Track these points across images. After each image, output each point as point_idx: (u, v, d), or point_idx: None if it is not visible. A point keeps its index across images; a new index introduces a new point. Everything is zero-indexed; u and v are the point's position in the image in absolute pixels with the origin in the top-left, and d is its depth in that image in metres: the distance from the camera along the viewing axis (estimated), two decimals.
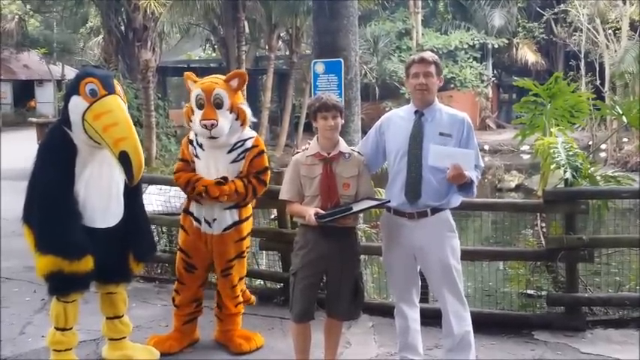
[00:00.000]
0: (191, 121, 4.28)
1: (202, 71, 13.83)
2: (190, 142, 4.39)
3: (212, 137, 4.18)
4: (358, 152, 3.89)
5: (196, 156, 4.33)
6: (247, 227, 4.53)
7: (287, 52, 23.14)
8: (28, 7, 26.15)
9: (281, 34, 22.04)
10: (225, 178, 4.24)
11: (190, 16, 20.23)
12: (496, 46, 27.85)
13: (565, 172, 5.32)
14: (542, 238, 6.35)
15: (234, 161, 4.31)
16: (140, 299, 5.58)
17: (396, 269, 3.91)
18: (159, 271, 6.50)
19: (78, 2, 17.96)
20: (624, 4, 21.22)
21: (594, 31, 21.68)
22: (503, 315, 5.05)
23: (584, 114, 7.19)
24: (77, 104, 3.78)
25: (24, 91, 34.58)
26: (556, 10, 24.00)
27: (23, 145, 12.89)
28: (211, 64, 27.27)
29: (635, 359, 4.27)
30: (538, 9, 26.50)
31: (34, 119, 21.00)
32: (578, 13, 21.93)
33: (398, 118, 3.88)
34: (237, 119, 4.27)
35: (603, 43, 21.30)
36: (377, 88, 24.96)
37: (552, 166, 5.76)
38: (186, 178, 4.31)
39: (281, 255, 5.58)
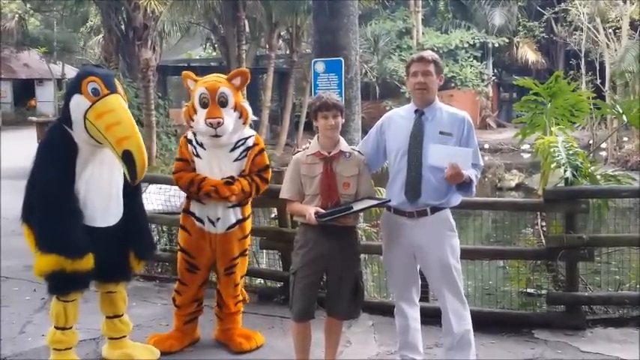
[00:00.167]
0: (193, 120, 4.26)
1: (203, 70, 13.84)
2: (189, 141, 4.36)
3: (216, 136, 4.17)
4: (358, 151, 3.88)
5: (197, 155, 4.32)
6: (249, 225, 4.56)
7: (287, 51, 23.13)
8: (29, 5, 26.19)
9: (281, 33, 22.03)
10: (232, 178, 4.25)
11: (191, 15, 20.24)
12: (496, 45, 27.84)
13: (565, 171, 5.32)
14: (542, 237, 6.36)
15: (236, 160, 4.32)
16: (140, 298, 5.58)
17: (396, 268, 3.91)
18: (159, 270, 6.50)
19: (78, 1, 17.97)
20: (624, 3, 21.22)
21: (594, 30, 21.68)
22: (504, 314, 5.05)
23: (584, 113, 7.20)
24: (79, 103, 3.77)
25: (24, 90, 34.57)
26: (556, 9, 24.01)
27: (23, 144, 12.88)
28: (212, 63, 27.28)
29: (635, 358, 4.27)
30: (538, 8, 26.50)
31: (34, 118, 20.97)
32: (579, 12, 21.93)
33: (399, 118, 3.88)
34: (240, 117, 4.28)
35: (603, 42, 21.30)
36: (377, 87, 24.95)
37: (553, 165, 5.76)
38: (189, 178, 4.29)
39: (281, 254, 5.58)
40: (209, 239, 4.37)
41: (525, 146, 18.03)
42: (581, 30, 22.42)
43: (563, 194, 5.00)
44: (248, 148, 4.35)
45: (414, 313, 3.94)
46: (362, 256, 4.69)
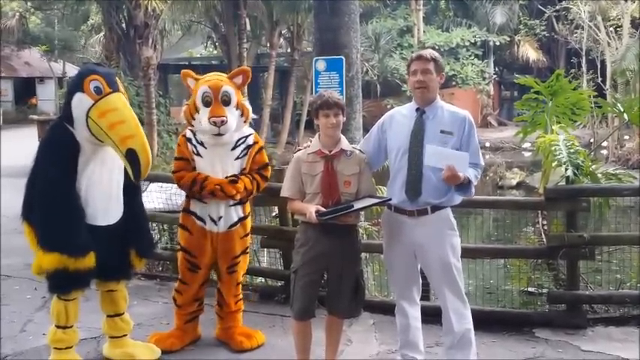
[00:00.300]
0: (194, 119, 4.26)
1: (204, 68, 13.82)
2: (188, 140, 4.35)
3: (219, 134, 4.17)
4: (359, 150, 3.88)
5: (197, 154, 4.31)
6: (250, 223, 4.57)
7: (288, 50, 23.13)
8: (29, 4, 26.21)
9: (282, 32, 22.03)
10: (236, 176, 4.25)
11: (191, 14, 20.26)
12: (497, 43, 27.83)
13: (566, 169, 5.32)
14: (543, 236, 6.35)
15: (237, 158, 4.33)
16: (141, 297, 5.58)
17: (397, 267, 3.91)
18: (160, 268, 6.50)
19: None
20: (625, 1, 21.17)
21: (595, 29, 21.66)
22: (504, 312, 5.05)
23: (585, 111, 7.18)
24: (81, 101, 3.77)
25: (25, 88, 34.59)
26: (557, 7, 23.98)
27: (24, 143, 12.89)
28: (212, 62, 27.27)
29: (635, 357, 4.27)
30: (539, 6, 26.46)
31: (35, 117, 20.97)
32: (580, 11, 21.90)
33: (400, 116, 3.88)
34: (241, 116, 4.29)
35: (605, 41, 21.27)
36: (378, 86, 24.93)
37: (554, 164, 5.75)
38: (191, 177, 4.28)
39: (282, 252, 5.58)
40: (210, 238, 4.37)
41: (526, 145, 18.03)
42: (582, 28, 22.39)
43: (564, 193, 4.99)
44: (248, 147, 4.36)
45: (414, 312, 3.94)
46: (363, 254, 4.69)
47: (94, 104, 3.75)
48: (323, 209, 3.61)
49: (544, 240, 6.02)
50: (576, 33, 23.22)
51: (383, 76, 25.46)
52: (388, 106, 20.19)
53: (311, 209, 3.61)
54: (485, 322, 4.49)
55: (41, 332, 4.56)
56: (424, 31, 27.75)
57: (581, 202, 4.82)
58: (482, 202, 5.60)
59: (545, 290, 5.42)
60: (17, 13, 27.40)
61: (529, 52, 27.45)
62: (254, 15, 21.29)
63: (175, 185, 5.37)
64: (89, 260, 3.74)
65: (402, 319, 3.95)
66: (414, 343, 3.94)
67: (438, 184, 3.67)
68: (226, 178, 4.25)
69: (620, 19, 21.27)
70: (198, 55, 31.05)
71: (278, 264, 5.84)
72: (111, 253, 3.89)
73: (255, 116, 4.49)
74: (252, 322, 4.81)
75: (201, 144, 4.29)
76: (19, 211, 3.92)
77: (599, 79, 21.41)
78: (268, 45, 22.15)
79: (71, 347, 4.03)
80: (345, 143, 3.82)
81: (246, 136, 4.38)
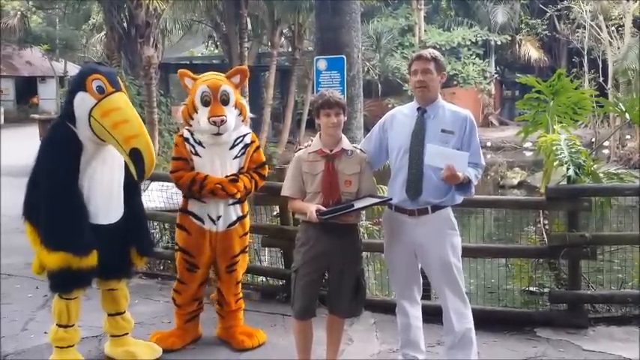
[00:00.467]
0: (192, 118, 4.26)
1: (205, 68, 13.81)
2: (186, 139, 4.34)
3: (218, 134, 4.17)
4: (360, 149, 3.88)
5: (195, 154, 4.31)
6: (248, 222, 4.57)
7: (289, 49, 23.12)
8: (31, 3, 26.20)
9: (283, 31, 22.02)
10: (235, 175, 4.26)
11: (193, 13, 20.27)
12: (499, 42, 27.81)
13: (568, 169, 5.31)
14: (544, 235, 6.34)
15: (235, 157, 4.33)
16: (142, 296, 5.58)
17: (397, 266, 3.91)
18: (161, 267, 6.50)
19: None
20: (627, 0, 21.16)
21: (597, 28, 21.64)
22: (506, 312, 5.05)
23: (587, 111, 7.16)
24: (84, 100, 3.77)
25: (26, 87, 34.64)
26: (559, 6, 23.93)
27: (26, 142, 12.91)
28: (214, 61, 27.28)
29: (637, 357, 4.26)
30: (541, 5, 26.44)
31: (36, 116, 21.02)
32: (581, 10, 21.87)
33: (401, 116, 3.88)
34: (239, 115, 4.29)
35: (606, 40, 21.26)
36: (379, 85, 24.92)
37: (555, 163, 5.74)
38: (190, 177, 4.27)
39: (283, 252, 5.58)
40: (209, 238, 4.37)
41: (528, 144, 18.05)
42: (584, 28, 22.36)
43: (566, 192, 4.99)
44: (246, 145, 4.37)
45: (415, 312, 3.94)
46: (364, 254, 4.68)
47: (96, 103, 3.75)
48: (324, 208, 3.61)
49: (545, 239, 6.01)
50: (578, 32, 23.20)
51: (384, 75, 25.45)
52: (389, 106, 20.17)
53: (312, 208, 3.61)
54: (486, 322, 4.49)
55: (43, 331, 4.56)
56: (425, 31, 27.74)
57: (583, 201, 4.82)
58: (484, 201, 5.59)
59: (546, 290, 5.42)
60: (19, 12, 27.40)
61: (530, 51, 27.41)
62: (255, 14, 21.29)
63: None
64: (92, 259, 3.76)
65: (403, 318, 3.95)
66: (415, 343, 3.94)
67: (438, 184, 3.67)
68: (226, 177, 4.25)
69: (621, 18, 21.25)
70: (200, 55, 31.07)
71: (279, 263, 5.84)
72: (112, 251, 3.90)
73: (253, 115, 4.48)
74: (253, 321, 4.81)
75: (200, 144, 4.29)
76: (20, 211, 3.92)
77: (601, 78, 21.39)
78: (269, 44, 22.16)
79: (72, 346, 4.03)
80: (346, 143, 3.81)
81: (244, 135, 4.39)
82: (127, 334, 4.30)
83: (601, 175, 5.77)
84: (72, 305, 3.93)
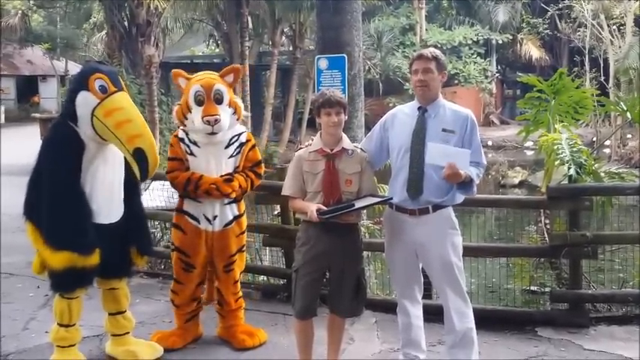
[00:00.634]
0: (186, 118, 4.25)
1: (206, 67, 13.81)
2: (181, 139, 4.33)
3: (213, 133, 4.16)
4: (361, 149, 3.87)
5: (190, 154, 4.30)
6: (245, 221, 4.56)
7: (290, 48, 23.13)
8: (32, 2, 26.19)
9: (284, 30, 22.03)
10: (230, 175, 4.25)
11: (194, 12, 20.27)
12: (500, 41, 27.80)
13: (569, 168, 5.31)
14: (545, 235, 6.35)
15: (231, 156, 4.32)
16: (143, 295, 5.58)
17: (398, 266, 3.90)
18: (162, 267, 6.50)
19: None
20: (628, 0, 21.14)
21: (599, 27, 21.63)
22: (507, 311, 5.04)
23: (588, 110, 7.17)
24: (87, 100, 3.76)
25: (27, 86, 34.67)
26: (560, 5, 23.92)
27: (27, 141, 12.91)
28: (215, 60, 27.28)
29: (638, 357, 4.26)
30: (542, 4, 26.43)
31: (37, 115, 21.03)
32: (583, 9, 21.86)
33: (402, 115, 3.87)
34: (234, 114, 4.28)
35: (607, 39, 21.25)
36: (381, 84, 24.92)
37: (556, 163, 5.74)
38: (185, 177, 4.26)
39: (284, 251, 5.58)
40: (205, 237, 4.36)
41: (529, 143, 18.07)
42: (585, 27, 22.36)
43: (567, 192, 4.98)
44: (242, 144, 4.36)
45: (416, 311, 3.93)
46: (365, 253, 4.68)
47: (99, 103, 3.75)
48: (324, 208, 3.60)
49: (546, 239, 6.02)
50: (579, 31, 23.19)
51: (385, 74, 25.44)
52: (390, 105, 20.18)
53: (312, 208, 3.60)
54: (487, 321, 4.48)
55: (44, 330, 4.56)
56: (426, 30, 27.73)
57: (584, 200, 4.81)
58: (485, 200, 5.59)
59: (547, 289, 5.42)
60: (20, 11, 27.40)
61: (532, 50, 27.41)
62: (256, 13, 21.30)
63: None
64: (95, 258, 3.76)
65: (404, 317, 3.94)
66: (416, 342, 3.94)
67: (439, 183, 3.66)
68: (221, 177, 4.25)
69: (623, 17, 21.24)
70: (201, 54, 31.09)
71: (280, 262, 5.85)
72: (112, 251, 3.90)
73: (247, 114, 4.47)
74: (254, 321, 4.81)
75: (195, 143, 4.28)
76: (21, 210, 3.92)
77: (602, 77, 21.39)
78: (270, 43, 22.17)
79: (74, 345, 4.04)
80: (346, 142, 3.81)
81: (239, 134, 4.37)
82: (128, 333, 4.30)
83: (602, 174, 5.78)
84: (73, 304, 3.94)
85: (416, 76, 3.73)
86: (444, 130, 3.69)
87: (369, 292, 5.03)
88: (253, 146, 4.47)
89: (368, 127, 4.85)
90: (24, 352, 4.46)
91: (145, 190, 6.48)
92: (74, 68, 26.51)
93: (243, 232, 4.52)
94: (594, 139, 19.18)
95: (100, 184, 3.87)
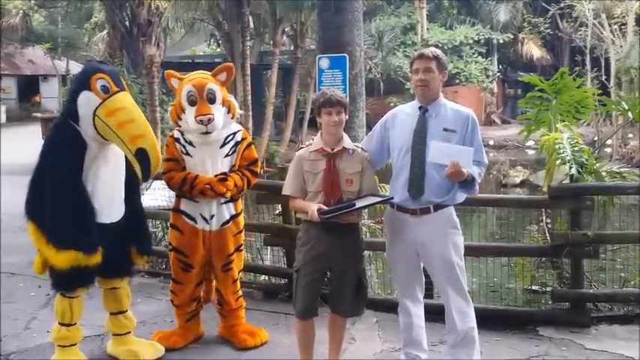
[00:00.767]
0: (180, 119, 4.24)
1: (207, 66, 13.82)
2: (176, 140, 4.33)
3: (207, 132, 4.15)
4: (362, 148, 3.87)
5: (186, 154, 4.30)
6: (242, 220, 4.56)
7: (291, 47, 23.13)
8: (33, 2, 26.22)
9: (285, 29, 22.03)
10: (225, 174, 4.25)
11: (195, 11, 20.28)
12: (501, 41, 27.79)
13: (570, 167, 5.31)
14: (547, 234, 6.35)
15: (227, 155, 4.32)
16: (145, 294, 5.58)
17: (399, 266, 3.90)
18: (163, 266, 6.50)
19: None
20: None
21: (600, 27, 21.63)
22: (508, 311, 5.04)
23: (589, 109, 7.17)
24: (89, 99, 3.76)
25: (29, 86, 34.68)
26: (561, 5, 23.93)
27: (28, 141, 12.92)
28: (216, 60, 27.25)
29: (639, 356, 4.26)
30: (543, 4, 26.44)
31: (38, 114, 21.05)
32: (584, 9, 21.86)
33: (403, 114, 3.87)
34: (228, 112, 4.27)
35: (609, 39, 21.25)
36: (382, 84, 24.93)
37: (558, 162, 5.74)
38: (180, 177, 4.26)
39: (285, 250, 5.58)
40: (202, 237, 4.35)
41: (530, 143, 18.07)
42: (587, 26, 22.36)
43: (568, 191, 4.98)
44: (237, 143, 4.35)
45: (417, 311, 3.93)
46: (366, 252, 4.68)
47: (101, 103, 3.75)
48: (325, 208, 3.60)
49: (548, 238, 6.01)
50: (580, 31, 23.21)
51: (386, 73, 25.45)
52: (391, 104, 20.18)
53: (313, 208, 3.60)
54: (488, 321, 4.48)
55: (45, 330, 4.57)
56: (427, 29, 27.73)
57: (586, 200, 4.81)
58: (486, 200, 5.59)
59: (549, 288, 5.41)
60: (21, 11, 27.43)
61: (533, 49, 27.41)
62: (257, 13, 21.31)
63: None
64: (98, 257, 3.77)
65: (405, 317, 3.94)
66: (417, 342, 3.94)
67: (440, 183, 3.66)
68: (215, 176, 4.24)
69: (624, 16, 21.24)
70: (202, 53, 31.09)
71: (281, 262, 5.84)
72: (114, 250, 3.90)
73: (241, 112, 4.45)
74: (255, 320, 4.81)
75: (190, 143, 4.28)
76: (22, 209, 3.92)
77: (604, 77, 21.40)
78: (271, 43, 22.18)
79: (75, 345, 4.04)
80: (347, 141, 3.80)
81: (234, 133, 4.36)
82: (129, 332, 4.30)
83: (603, 173, 5.78)
84: (75, 304, 3.94)
85: (417, 75, 3.73)
86: (445, 129, 3.69)
87: (371, 291, 5.03)
88: (249, 144, 4.45)
89: (369, 127, 4.84)
90: (25, 352, 4.46)
91: (147, 189, 6.48)
92: (75, 68, 26.54)
93: (240, 232, 4.51)
94: (595, 138, 19.17)
95: (102, 184, 3.87)
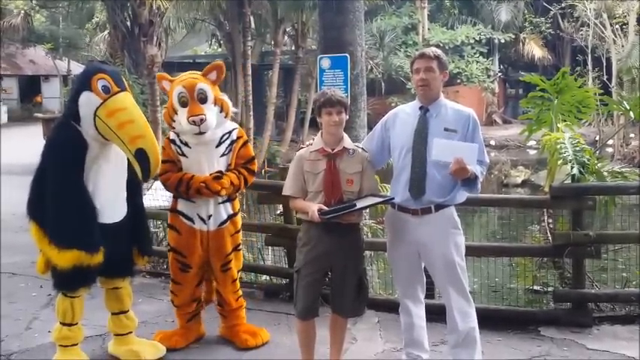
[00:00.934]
0: (174, 121, 4.24)
1: None
2: (172, 141, 4.32)
3: (201, 133, 4.14)
4: (362, 148, 3.87)
5: (182, 155, 4.29)
6: (240, 220, 4.55)
7: (293, 47, 23.11)
8: (34, 2, 26.23)
9: (287, 29, 22.01)
10: (220, 172, 4.24)
11: (196, 12, 20.25)
12: (503, 41, 27.77)
13: (572, 167, 5.31)
14: (548, 234, 6.34)
15: (223, 155, 4.31)
16: (146, 294, 5.59)
17: (401, 266, 3.90)
18: (164, 266, 6.49)
19: None
20: None
21: (601, 26, 21.60)
22: (510, 311, 5.04)
23: (591, 109, 7.17)
24: (90, 100, 3.76)
25: (30, 86, 34.71)
26: (563, 4, 23.90)
27: (29, 141, 12.93)
28: (217, 60, 27.19)
29: None
30: (545, 4, 26.40)
31: (40, 114, 21.06)
32: (585, 8, 21.84)
33: (404, 114, 3.86)
34: (221, 111, 4.26)
35: (610, 38, 21.23)
36: (383, 84, 24.91)
37: (559, 162, 5.74)
38: (176, 178, 4.26)
39: (286, 250, 5.58)
40: (200, 237, 4.35)
41: (532, 143, 18.05)
42: (588, 26, 22.34)
43: (570, 191, 4.98)
44: (233, 142, 4.35)
45: (418, 311, 3.93)
46: (367, 252, 4.67)
47: (102, 103, 3.75)
48: (325, 208, 3.59)
49: (550, 238, 6.01)
50: (582, 31, 23.18)
51: (387, 73, 25.44)
52: (392, 104, 20.17)
53: (313, 208, 3.60)
54: (490, 321, 4.48)
55: (47, 330, 4.57)
56: (429, 29, 27.71)
57: (587, 200, 4.80)
58: (488, 200, 5.59)
59: (550, 288, 5.40)
60: (22, 11, 27.42)
61: (534, 49, 27.38)
62: (258, 13, 21.29)
63: None
64: (100, 256, 3.77)
65: (406, 317, 3.94)
66: (418, 342, 3.94)
67: (442, 183, 3.66)
68: (210, 175, 4.23)
69: (625, 16, 21.21)
70: (203, 53, 31.05)
71: (282, 262, 5.84)
72: (116, 250, 3.90)
73: (236, 110, 4.43)
74: (256, 320, 4.81)
75: (186, 144, 4.27)
76: (24, 209, 3.92)
77: (605, 76, 21.38)
78: (273, 43, 22.16)
79: (76, 345, 4.04)
80: (347, 141, 3.80)
81: (230, 132, 4.35)
82: (130, 332, 4.31)
83: (605, 173, 5.77)
84: (76, 303, 3.94)
85: (417, 75, 3.73)
86: (445, 129, 3.68)
87: (372, 291, 5.03)
88: (245, 142, 4.43)
89: (370, 127, 4.84)
90: (27, 352, 4.47)
91: (148, 189, 6.48)
92: (77, 68, 26.57)
93: (238, 231, 4.50)
94: (597, 138, 19.15)
95: (103, 184, 3.88)
